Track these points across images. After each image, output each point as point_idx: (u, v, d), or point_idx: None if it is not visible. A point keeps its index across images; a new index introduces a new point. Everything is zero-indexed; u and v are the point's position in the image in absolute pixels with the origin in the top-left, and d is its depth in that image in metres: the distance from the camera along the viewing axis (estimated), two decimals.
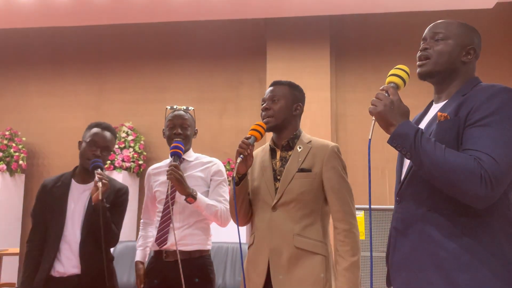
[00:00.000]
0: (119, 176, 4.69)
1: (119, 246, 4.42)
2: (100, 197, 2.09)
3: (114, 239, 2.28)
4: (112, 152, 2.41)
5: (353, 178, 4.73)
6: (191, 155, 2.39)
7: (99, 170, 2.18)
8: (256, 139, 1.83)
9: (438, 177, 1.27)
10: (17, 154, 4.99)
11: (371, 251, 1.21)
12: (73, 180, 2.32)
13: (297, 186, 1.84)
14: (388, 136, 1.35)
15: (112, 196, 2.29)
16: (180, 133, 2.30)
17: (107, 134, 2.32)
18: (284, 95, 1.95)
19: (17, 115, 5.42)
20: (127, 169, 4.80)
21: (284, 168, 1.90)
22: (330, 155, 1.88)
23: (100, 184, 2.10)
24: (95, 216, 2.13)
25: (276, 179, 1.90)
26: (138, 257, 2.38)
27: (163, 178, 2.33)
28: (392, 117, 1.33)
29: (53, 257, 2.18)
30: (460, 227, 1.30)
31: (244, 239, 4.44)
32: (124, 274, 4.22)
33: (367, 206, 3.96)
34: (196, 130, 2.44)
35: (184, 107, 2.42)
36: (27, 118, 5.39)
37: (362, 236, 3.93)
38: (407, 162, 1.46)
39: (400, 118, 1.33)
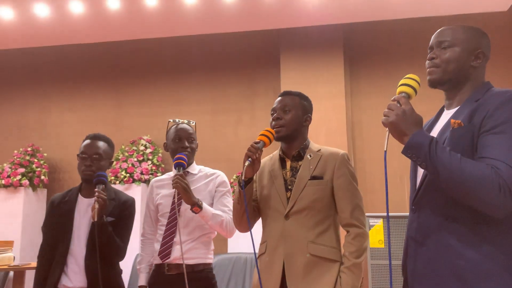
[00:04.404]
0: (138, 189, 4.76)
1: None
2: (95, 219, 2.10)
3: (119, 253, 2.27)
4: (112, 160, 2.40)
5: (371, 186, 4.74)
6: (194, 168, 2.39)
7: (101, 186, 2.17)
8: (264, 144, 1.84)
9: (455, 187, 1.26)
10: (39, 169, 5.10)
11: (389, 260, 1.20)
12: (79, 195, 2.33)
13: (309, 194, 1.86)
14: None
15: (118, 209, 2.29)
16: (187, 146, 2.31)
17: (97, 142, 2.33)
18: (295, 105, 1.97)
19: (39, 132, 5.55)
20: (146, 181, 4.86)
21: (294, 178, 1.91)
22: (341, 162, 1.90)
23: (96, 205, 2.10)
24: (96, 233, 2.13)
25: (287, 189, 1.91)
26: (142, 282, 2.32)
27: (166, 191, 2.34)
28: (405, 126, 1.31)
29: (60, 271, 2.18)
30: (479, 235, 1.28)
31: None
32: None
33: (385, 214, 3.92)
34: (197, 143, 2.43)
35: (186, 121, 2.42)
36: (48, 134, 5.52)
37: (381, 244, 3.89)
38: (421, 170, 1.45)
39: (413, 127, 1.31)
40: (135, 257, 4.42)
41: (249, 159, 1.79)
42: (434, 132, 1.47)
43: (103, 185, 2.20)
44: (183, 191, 2.11)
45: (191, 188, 2.21)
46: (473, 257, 1.26)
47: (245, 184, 1.85)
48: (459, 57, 1.43)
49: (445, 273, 1.30)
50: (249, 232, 2.21)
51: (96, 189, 2.16)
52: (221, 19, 4.61)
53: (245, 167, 1.79)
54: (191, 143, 2.35)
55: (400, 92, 1.41)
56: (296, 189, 1.88)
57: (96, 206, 2.09)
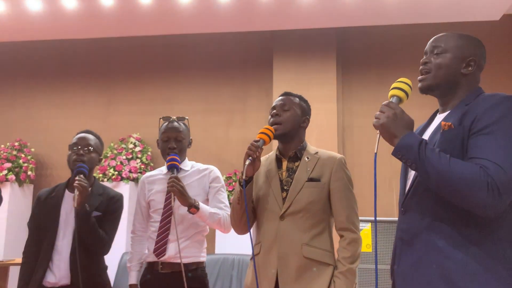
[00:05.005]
0: (126, 187, 4.71)
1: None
2: (75, 205, 2.09)
3: (104, 247, 2.25)
4: (101, 157, 2.41)
5: (360, 190, 4.72)
6: (186, 164, 2.38)
7: (81, 176, 2.16)
8: (264, 143, 1.83)
9: (445, 187, 1.27)
10: (26, 164, 5.03)
11: (376, 264, 1.21)
12: (66, 190, 2.32)
13: (306, 196, 1.85)
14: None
15: (105, 204, 2.28)
16: (174, 147, 2.29)
17: (89, 136, 2.35)
18: (295, 105, 1.98)
19: (27, 127, 5.48)
20: (134, 180, 4.82)
21: (290, 179, 1.91)
22: (338, 166, 1.91)
23: (76, 192, 2.09)
24: (78, 222, 2.12)
25: (283, 189, 1.90)
26: (133, 280, 2.29)
27: (158, 187, 2.33)
28: (395, 129, 1.33)
29: (45, 267, 2.17)
30: (467, 237, 1.30)
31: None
32: None
33: (373, 218, 3.92)
34: (191, 139, 2.41)
35: (177, 117, 2.41)
36: (36, 129, 5.45)
37: (369, 249, 3.90)
38: (411, 173, 1.46)
39: (404, 129, 1.34)
40: (121, 255, 4.38)
41: (250, 157, 1.78)
42: (426, 135, 1.49)
43: (82, 175, 2.18)
44: (179, 194, 2.10)
45: (184, 183, 2.19)
46: (460, 259, 1.28)
47: (245, 183, 1.83)
48: (449, 63, 1.46)
49: (433, 274, 1.31)
50: (236, 233, 2.20)
51: (76, 178, 2.14)
52: (215, 19, 4.60)
53: (245, 166, 1.77)
54: (180, 142, 2.32)
55: (392, 96, 1.43)
56: (293, 190, 1.87)
57: (76, 193, 2.08)
